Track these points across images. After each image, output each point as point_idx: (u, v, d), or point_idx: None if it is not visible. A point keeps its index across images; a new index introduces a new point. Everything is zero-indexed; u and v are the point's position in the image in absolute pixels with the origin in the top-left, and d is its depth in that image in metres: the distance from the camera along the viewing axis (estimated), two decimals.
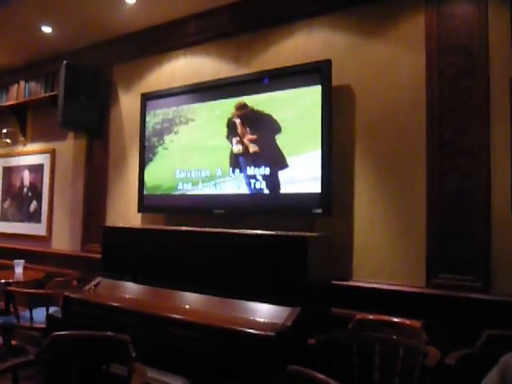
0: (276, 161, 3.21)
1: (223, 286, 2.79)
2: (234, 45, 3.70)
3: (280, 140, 3.19)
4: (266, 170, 3.24)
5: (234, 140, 3.42)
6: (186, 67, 3.99)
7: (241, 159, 3.38)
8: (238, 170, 3.39)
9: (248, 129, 3.36)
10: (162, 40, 4.11)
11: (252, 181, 3.31)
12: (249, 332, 2.32)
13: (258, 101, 3.32)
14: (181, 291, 2.95)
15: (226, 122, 3.49)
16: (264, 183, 3.25)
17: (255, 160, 3.31)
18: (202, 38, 3.86)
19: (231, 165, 3.43)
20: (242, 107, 3.39)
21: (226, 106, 3.49)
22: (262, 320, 2.49)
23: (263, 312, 2.53)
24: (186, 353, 2.52)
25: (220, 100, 3.54)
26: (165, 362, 2.56)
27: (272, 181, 3.22)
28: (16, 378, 1.88)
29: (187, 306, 2.82)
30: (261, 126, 3.31)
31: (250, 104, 3.36)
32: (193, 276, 2.97)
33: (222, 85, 3.55)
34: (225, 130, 3.49)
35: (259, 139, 3.31)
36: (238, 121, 3.41)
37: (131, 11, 3.81)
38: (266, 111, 3.27)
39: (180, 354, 2.54)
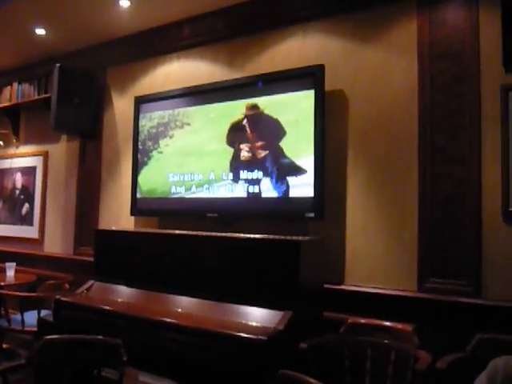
0: (280, 165, 3.19)
1: (216, 290, 2.79)
2: (228, 48, 3.71)
3: (284, 144, 3.18)
4: (267, 175, 3.23)
5: (244, 146, 3.35)
6: (180, 71, 4.00)
7: (243, 164, 3.35)
8: (237, 174, 3.37)
9: (257, 132, 3.31)
10: (156, 43, 4.11)
11: (246, 185, 3.31)
12: (241, 336, 2.33)
13: (263, 104, 3.31)
14: (173, 295, 2.94)
15: (228, 125, 3.44)
16: (259, 187, 3.26)
17: (257, 164, 3.28)
18: (197, 41, 3.87)
19: (231, 169, 3.41)
20: (252, 107, 3.34)
21: (225, 109, 3.47)
22: (254, 324, 2.49)
23: (255, 316, 2.54)
24: (178, 357, 2.51)
25: (215, 104, 3.53)
26: (157, 366, 2.56)
27: (270, 185, 3.22)
28: (6, 382, 1.87)
29: (180, 310, 2.82)
30: (267, 129, 3.27)
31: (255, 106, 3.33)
32: (185, 280, 2.97)
33: (217, 88, 3.55)
34: (225, 134, 3.45)
35: (266, 144, 3.26)
36: (247, 124, 3.35)
37: (125, 14, 3.81)
38: (273, 115, 3.25)
39: (172, 357, 2.54)
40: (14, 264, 4.46)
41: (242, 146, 3.37)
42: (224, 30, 3.70)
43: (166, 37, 4.03)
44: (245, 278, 2.71)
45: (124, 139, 4.33)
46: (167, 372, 2.51)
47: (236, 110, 3.42)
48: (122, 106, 4.41)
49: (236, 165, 3.39)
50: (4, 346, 3.86)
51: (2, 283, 4.03)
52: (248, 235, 2.90)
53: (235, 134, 3.42)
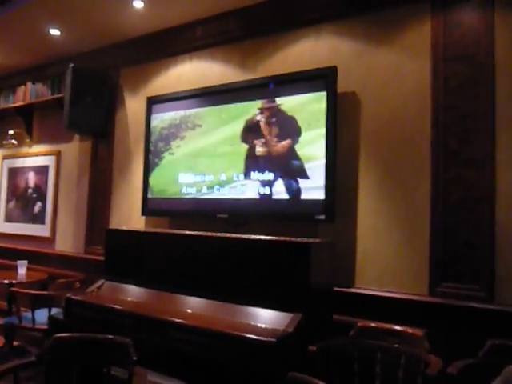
0: (293, 166, 3.17)
1: (226, 291, 2.79)
2: (240, 50, 3.71)
3: (297, 146, 3.16)
4: (279, 176, 3.22)
5: (258, 141, 3.34)
6: (192, 71, 4.01)
7: (258, 160, 3.33)
8: (249, 175, 3.36)
9: (273, 128, 3.29)
10: (169, 44, 4.13)
11: (257, 186, 3.31)
12: (250, 337, 2.32)
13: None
14: (183, 295, 2.94)
15: (242, 124, 3.43)
16: (270, 189, 3.25)
17: (272, 162, 3.26)
18: (209, 42, 3.88)
19: (245, 167, 3.39)
20: (270, 101, 3.32)
21: (237, 111, 3.47)
22: (263, 326, 2.48)
23: (265, 318, 2.53)
24: (187, 357, 2.51)
25: (227, 105, 3.54)
26: (166, 365, 2.56)
27: (282, 187, 3.21)
28: (17, 379, 1.88)
29: (189, 311, 2.82)
30: (283, 128, 3.25)
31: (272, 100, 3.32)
32: (195, 280, 2.97)
33: (229, 89, 3.56)
34: (239, 133, 3.44)
35: (281, 143, 3.24)
36: (264, 119, 3.33)
37: (138, 15, 3.84)
38: (288, 113, 3.24)
39: (181, 358, 2.54)
40: (26, 262, 4.50)
41: (256, 141, 3.35)
42: (236, 32, 3.70)
43: (178, 38, 4.05)
44: (254, 279, 2.70)
45: (136, 139, 4.35)
46: (176, 372, 2.51)
47: (248, 111, 3.42)
48: (134, 106, 4.43)
49: (251, 161, 3.37)
50: (15, 343, 3.90)
51: (14, 281, 4.07)
52: (258, 236, 2.90)
53: (250, 129, 3.40)
